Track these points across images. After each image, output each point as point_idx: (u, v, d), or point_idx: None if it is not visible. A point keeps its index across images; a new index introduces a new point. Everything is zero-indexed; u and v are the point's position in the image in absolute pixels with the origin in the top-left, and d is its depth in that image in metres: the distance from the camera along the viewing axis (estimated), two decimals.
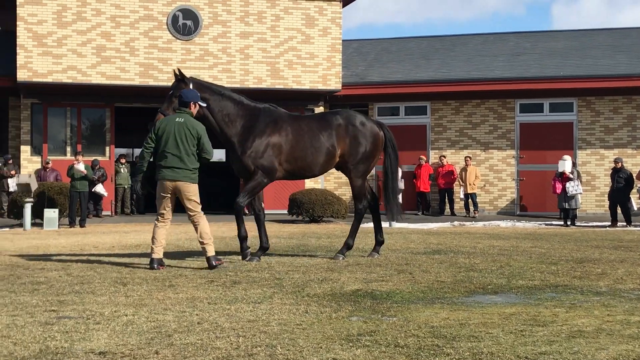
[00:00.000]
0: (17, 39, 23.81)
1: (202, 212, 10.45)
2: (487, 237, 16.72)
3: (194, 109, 10.44)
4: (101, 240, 15.45)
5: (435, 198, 26.70)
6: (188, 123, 10.16)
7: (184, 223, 22.10)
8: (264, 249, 11.61)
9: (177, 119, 10.21)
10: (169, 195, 10.26)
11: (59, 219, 21.13)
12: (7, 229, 20.64)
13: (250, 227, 11.99)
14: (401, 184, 22.66)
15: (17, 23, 23.84)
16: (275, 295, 7.87)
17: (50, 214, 20.83)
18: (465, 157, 26.07)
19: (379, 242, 12.17)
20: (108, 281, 8.91)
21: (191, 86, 10.87)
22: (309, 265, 10.68)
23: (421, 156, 26.31)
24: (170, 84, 24.29)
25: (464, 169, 25.86)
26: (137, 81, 24.19)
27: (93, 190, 23.23)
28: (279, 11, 25.56)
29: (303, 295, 7.89)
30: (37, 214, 21.19)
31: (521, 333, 5.98)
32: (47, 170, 23.98)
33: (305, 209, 22.54)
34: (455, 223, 22.90)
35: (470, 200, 25.73)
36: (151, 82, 24.25)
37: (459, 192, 26.09)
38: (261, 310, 6.96)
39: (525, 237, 16.64)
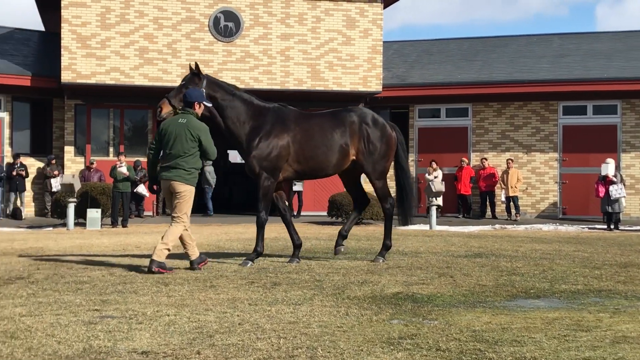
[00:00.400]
0: (62, 41, 24.12)
1: (186, 220, 10.03)
2: (529, 240, 16.57)
3: (199, 109, 10.28)
4: (143, 241, 15.58)
5: (476, 201, 26.52)
6: (189, 124, 10.02)
7: (225, 224, 22.30)
8: (297, 246, 11.41)
9: (179, 120, 10.10)
10: (167, 195, 10.20)
11: (102, 219, 21.36)
12: (51, 229, 20.92)
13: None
14: (442, 187, 22.55)
15: (62, 25, 24.15)
16: (316, 297, 7.87)
17: (93, 214, 21.07)
18: (507, 160, 25.86)
19: (342, 235, 11.77)
20: (150, 281, 8.98)
21: (205, 82, 10.77)
22: (349, 267, 10.67)
23: (463, 158, 26.16)
24: None
25: (506, 172, 25.65)
26: (178, 83, 24.30)
27: (135, 190, 23.45)
28: (320, 13, 25.59)
29: (343, 297, 7.88)
30: (80, 214, 21.44)
31: (564, 338, 5.91)
32: (92, 170, 24.26)
33: (344, 210, 22.51)
34: (497, 226, 22.73)
35: (511, 203, 25.52)
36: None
37: (501, 195, 25.90)
38: (301, 312, 6.96)
39: (568, 241, 16.46)
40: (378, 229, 20.85)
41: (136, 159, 24.70)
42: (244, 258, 11.08)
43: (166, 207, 10.37)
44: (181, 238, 10.16)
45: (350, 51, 25.74)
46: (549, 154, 26.44)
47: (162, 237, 9.97)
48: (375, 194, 11.96)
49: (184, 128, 9.99)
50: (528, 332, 6.11)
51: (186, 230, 10.14)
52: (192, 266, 10.15)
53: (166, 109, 10.43)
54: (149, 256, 12.02)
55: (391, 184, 12.10)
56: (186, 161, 9.98)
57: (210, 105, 10.65)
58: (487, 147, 26.87)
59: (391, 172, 12.07)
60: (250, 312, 6.93)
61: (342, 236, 11.85)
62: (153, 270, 9.68)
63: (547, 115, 26.47)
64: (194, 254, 10.20)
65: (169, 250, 9.97)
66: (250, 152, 10.94)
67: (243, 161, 11.75)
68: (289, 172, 11.26)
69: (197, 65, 10.98)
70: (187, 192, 10.03)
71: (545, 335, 5.99)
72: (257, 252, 11.06)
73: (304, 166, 11.28)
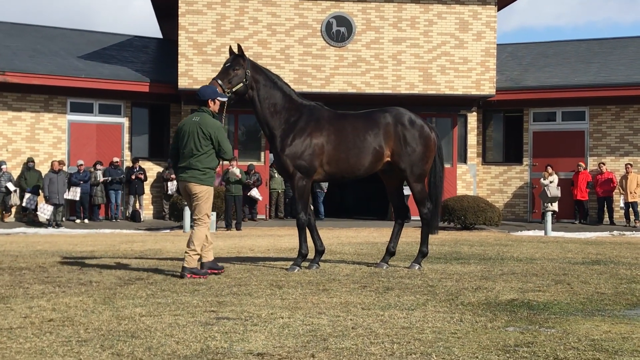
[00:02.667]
0: (179, 48, 24.77)
1: (208, 220, 9.92)
2: None
3: (214, 106, 10.06)
4: (257, 244, 15.81)
5: (593, 206, 25.82)
6: (202, 122, 9.79)
7: (337, 228, 22.41)
8: (319, 252, 11.09)
9: (194, 118, 9.91)
10: (185, 197, 10.03)
11: (216, 222, 21.77)
12: (168, 231, 21.48)
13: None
14: (557, 192, 22.05)
15: (179, 32, 24.81)
16: (429, 302, 7.82)
17: None
18: (626, 165, 25.10)
19: (390, 252, 11.44)
20: (264, 284, 9.10)
21: (249, 64, 10.57)
22: (462, 273, 10.54)
23: (579, 163, 25.52)
24: (323, 90, 24.67)
25: (625, 177, 24.90)
26: (291, 87, 24.57)
27: (248, 194, 23.85)
28: (432, 16, 25.43)
29: (457, 303, 7.80)
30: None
31: None
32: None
33: (456, 215, 22.31)
34: (615, 232, 22.07)
35: (630, 209, 24.75)
36: (305, 89, 24.62)
37: (619, 201, 25.15)
38: (415, 317, 6.92)
39: None
40: (491, 234, 20.57)
41: (249, 163, 25.12)
42: (291, 263, 10.86)
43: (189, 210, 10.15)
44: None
45: (463, 54, 25.47)
46: None
47: (188, 243, 9.80)
48: (414, 197, 11.35)
49: (196, 126, 9.79)
50: None
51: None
52: (201, 268, 9.87)
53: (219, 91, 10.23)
54: (263, 258, 12.25)
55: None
56: (200, 161, 9.77)
57: (225, 99, 10.29)
58: (605, 152, 26.12)
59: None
60: (363, 316, 6.93)
61: (390, 253, 11.47)
62: (185, 276, 9.57)
63: None
64: (208, 257, 9.99)
65: (198, 254, 9.78)
66: (283, 150, 10.66)
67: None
68: (320, 174, 10.90)
69: (239, 46, 10.76)
70: (203, 193, 9.84)
71: None
72: (302, 255, 10.84)
73: (335, 168, 10.90)
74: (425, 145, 11.08)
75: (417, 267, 11.01)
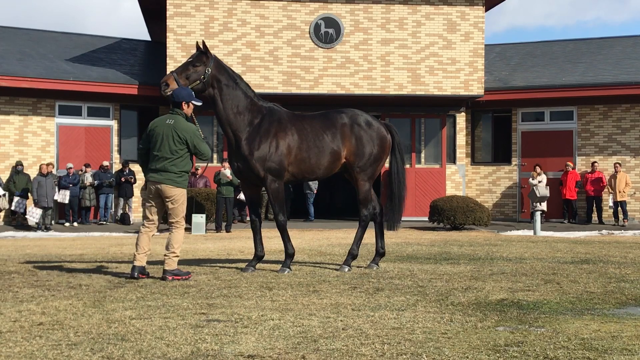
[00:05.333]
0: (167, 50, 24.71)
1: (183, 223, 10.02)
2: (638, 246, 16.06)
3: (188, 109, 9.96)
4: (247, 245, 15.80)
5: (582, 206, 25.90)
6: (177, 126, 9.71)
7: (327, 229, 22.41)
8: (259, 257, 11.03)
9: (167, 121, 9.80)
10: (153, 198, 9.95)
11: (206, 224, 21.76)
12: (158, 234, 21.38)
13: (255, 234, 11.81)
14: (546, 191, 22.10)
15: (167, 34, 24.76)
16: (419, 303, 7.83)
17: (198, 219, 21.50)
18: (615, 164, 25.18)
19: (379, 253, 11.48)
20: (254, 285, 9.10)
21: (212, 63, 10.44)
22: (452, 273, 10.57)
23: (568, 162, 25.60)
24: (311, 92, 24.66)
25: (613, 176, 24.98)
26: (280, 89, 24.64)
27: (238, 197, 23.82)
28: (420, 17, 25.47)
29: (447, 303, 7.82)
30: (186, 219, 21.86)
31: None
32: (197, 176, 24.75)
33: (446, 216, 22.34)
34: (604, 232, 22.15)
35: (619, 208, 24.83)
36: (294, 90, 24.64)
37: (608, 200, 25.23)
38: (405, 317, 6.94)
39: None
40: (480, 234, 20.60)
41: None
42: (281, 266, 10.87)
43: (145, 208, 10.11)
44: (138, 239, 9.97)
45: (451, 55, 25.51)
46: None
47: (167, 246, 9.83)
48: (358, 196, 11.41)
49: (171, 129, 9.72)
50: (639, 341, 5.93)
51: (149, 235, 9.97)
52: (132, 273, 9.78)
53: (173, 85, 10.10)
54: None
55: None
56: (175, 164, 9.73)
57: (200, 103, 10.15)
58: (593, 151, 26.20)
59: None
60: (353, 317, 6.94)
61: (379, 254, 11.51)
62: (168, 279, 9.57)
63: None
64: (140, 262, 9.87)
65: (177, 256, 9.82)
66: (252, 153, 10.59)
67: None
68: (285, 175, 10.90)
69: (204, 43, 10.61)
70: (179, 196, 9.85)
71: None
72: (290, 255, 10.87)
73: (297, 169, 10.92)
74: (380, 146, 11.22)
75: (346, 269, 10.93)
